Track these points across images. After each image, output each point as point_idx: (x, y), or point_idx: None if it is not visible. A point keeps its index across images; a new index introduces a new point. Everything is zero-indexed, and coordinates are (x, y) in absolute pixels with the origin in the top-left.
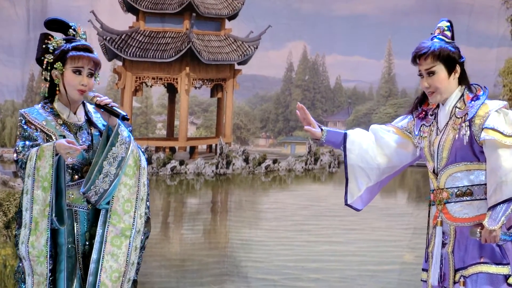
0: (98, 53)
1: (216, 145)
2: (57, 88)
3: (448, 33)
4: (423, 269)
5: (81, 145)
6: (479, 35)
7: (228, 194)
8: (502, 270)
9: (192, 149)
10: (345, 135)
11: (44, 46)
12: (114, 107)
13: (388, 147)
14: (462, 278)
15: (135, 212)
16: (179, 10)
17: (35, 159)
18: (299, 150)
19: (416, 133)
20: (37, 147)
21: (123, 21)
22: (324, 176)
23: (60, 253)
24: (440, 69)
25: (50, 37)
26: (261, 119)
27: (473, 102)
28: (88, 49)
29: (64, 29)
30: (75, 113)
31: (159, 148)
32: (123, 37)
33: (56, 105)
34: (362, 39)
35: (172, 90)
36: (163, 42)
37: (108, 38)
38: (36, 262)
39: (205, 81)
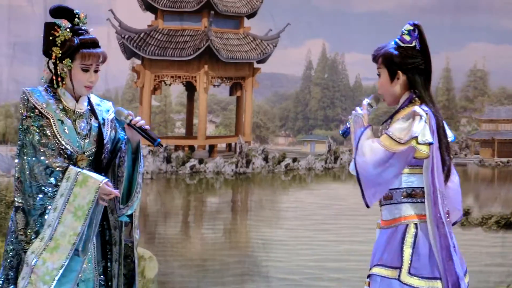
0: (116, 52)
1: (235, 143)
2: (64, 82)
3: (407, 37)
4: None
5: (85, 152)
6: (500, 32)
7: (248, 193)
8: (389, 273)
9: (211, 148)
10: None
11: (51, 38)
12: (148, 131)
13: None
14: (368, 278)
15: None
16: (198, 8)
17: (74, 184)
18: (319, 149)
19: None
20: (77, 170)
21: (142, 20)
22: (344, 175)
23: (70, 277)
24: (383, 73)
25: (56, 27)
26: (280, 118)
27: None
28: (96, 43)
29: (69, 16)
30: (77, 101)
31: (178, 147)
32: (141, 35)
33: (59, 90)
34: (382, 36)
35: (191, 88)
36: (182, 41)
37: (126, 37)
38: (39, 279)
39: (224, 79)
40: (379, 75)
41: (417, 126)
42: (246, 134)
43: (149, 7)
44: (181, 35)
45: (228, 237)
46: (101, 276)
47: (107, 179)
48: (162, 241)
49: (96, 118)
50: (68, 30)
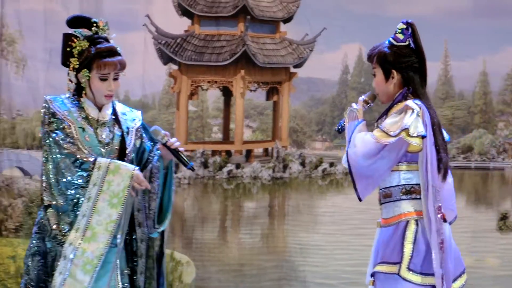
0: (153, 57)
1: (272, 148)
2: (84, 91)
3: (400, 36)
4: None
5: (109, 155)
6: None
7: (285, 198)
8: (390, 269)
9: (248, 153)
10: None
11: (68, 49)
12: (182, 154)
13: None
14: (371, 277)
15: None
16: (234, 13)
17: (106, 172)
18: None
19: None
20: (108, 160)
21: (178, 25)
22: None
23: (106, 269)
24: (378, 72)
25: (73, 38)
26: (317, 122)
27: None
28: (113, 51)
29: (87, 25)
30: (100, 110)
31: (215, 152)
32: (178, 41)
33: (83, 99)
34: None
35: (227, 93)
36: (218, 46)
37: (163, 42)
38: (79, 268)
39: (261, 84)
40: (374, 74)
41: (408, 119)
42: (283, 138)
43: (185, 13)
44: (217, 40)
45: (266, 242)
46: (126, 284)
47: (138, 167)
48: (199, 246)
49: (120, 127)
50: (85, 40)
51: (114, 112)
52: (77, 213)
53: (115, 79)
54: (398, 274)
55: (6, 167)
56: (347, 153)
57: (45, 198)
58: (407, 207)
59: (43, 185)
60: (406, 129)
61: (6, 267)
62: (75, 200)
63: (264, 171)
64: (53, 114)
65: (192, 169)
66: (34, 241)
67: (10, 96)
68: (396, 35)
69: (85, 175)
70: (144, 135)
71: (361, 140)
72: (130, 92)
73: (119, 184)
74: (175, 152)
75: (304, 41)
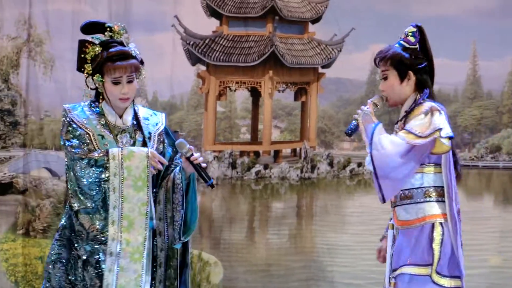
0: (181, 58)
1: (300, 149)
2: (101, 96)
3: (412, 39)
4: None
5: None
6: None
7: (313, 198)
8: (421, 270)
9: (276, 153)
10: None
11: (82, 55)
12: (204, 170)
13: None
14: (393, 279)
15: None
16: (262, 14)
17: (122, 159)
18: None
19: None
20: (119, 148)
21: (207, 26)
22: None
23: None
24: (392, 75)
25: (87, 44)
26: (345, 123)
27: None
28: (124, 55)
29: (101, 30)
30: (121, 116)
31: (243, 153)
32: (206, 41)
33: (103, 105)
34: (447, 40)
35: (255, 94)
36: (246, 46)
37: (191, 43)
38: (128, 259)
39: (289, 84)
40: (385, 77)
41: (439, 119)
42: (311, 139)
43: (214, 13)
44: (245, 40)
45: (293, 242)
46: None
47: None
48: (227, 246)
49: (142, 133)
50: (98, 45)
51: (136, 118)
52: (107, 207)
53: (130, 82)
54: (430, 276)
55: (34, 167)
56: (371, 154)
57: (74, 204)
58: (431, 209)
59: (69, 192)
60: (439, 130)
61: (34, 267)
62: (102, 195)
63: (292, 172)
64: (70, 123)
65: (212, 186)
66: (55, 248)
67: (38, 97)
68: (408, 38)
69: (103, 170)
70: (166, 140)
71: (389, 141)
72: (158, 93)
73: (138, 166)
74: (197, 167)
75: (333, 41)
